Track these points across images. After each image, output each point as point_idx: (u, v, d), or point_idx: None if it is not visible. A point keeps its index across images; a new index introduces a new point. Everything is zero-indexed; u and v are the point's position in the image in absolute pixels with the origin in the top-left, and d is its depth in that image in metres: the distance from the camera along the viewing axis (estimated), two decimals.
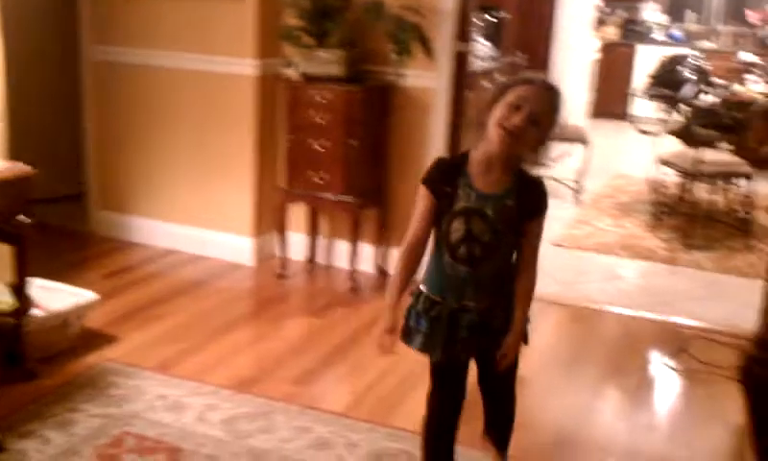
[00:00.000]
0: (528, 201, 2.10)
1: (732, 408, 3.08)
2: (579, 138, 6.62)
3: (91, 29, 4.69)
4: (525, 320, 2.20)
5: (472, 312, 2.14)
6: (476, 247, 2.08)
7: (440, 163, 2.17)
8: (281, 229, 4.34)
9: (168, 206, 4.70)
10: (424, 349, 2.21)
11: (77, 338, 3.41)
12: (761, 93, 5.99)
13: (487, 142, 2.06)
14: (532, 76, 2.11)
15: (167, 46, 4.48)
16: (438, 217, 2.12)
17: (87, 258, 4.52)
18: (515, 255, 2.18)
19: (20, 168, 3.06)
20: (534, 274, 2.18)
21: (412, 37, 3.94)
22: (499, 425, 2.44)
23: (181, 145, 4.58)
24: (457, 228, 2.08)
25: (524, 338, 2.24)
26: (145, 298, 4.00)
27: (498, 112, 2.01)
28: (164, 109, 4.58)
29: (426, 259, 2.21)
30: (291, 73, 4.24)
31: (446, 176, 2.10)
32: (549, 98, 2.05)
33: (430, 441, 2.35)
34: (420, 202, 2.14)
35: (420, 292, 2.20)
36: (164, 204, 4.71)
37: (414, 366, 3.37)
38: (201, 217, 4.62)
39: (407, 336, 2.22)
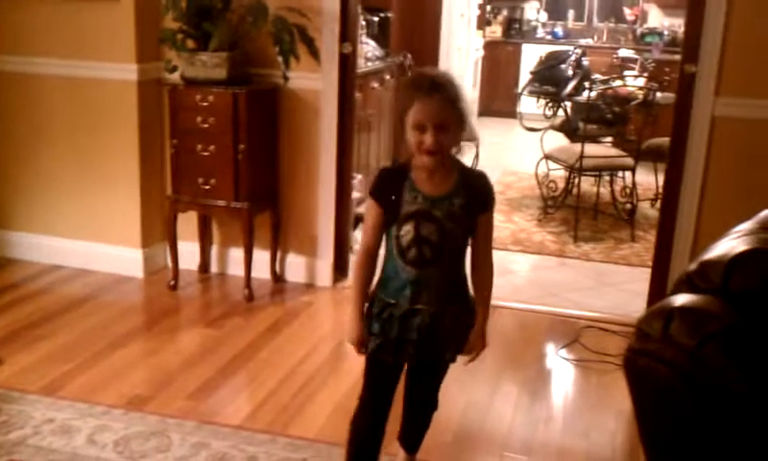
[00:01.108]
0: (476, 197, 2.16)
1: (624, 396, 3.14)
2: (468, 137, 6.70)
3: None
4: (487, 315, 2.27)
5: (424, 314, 2.17)
6: (426, 248, 2.12)
7: (383, 173, 2.25)
8: (171, 238, 4.22)
9: (51, 219, 4.50)
10: (377, 352, 2.23)
11: None
12: (639, 87, 6.21)
13: (418, 162, 2.12)
14: (416, 81, 2.13)
15: (42, 52, 4.28)
16: (387, 224, 2.17)
17: None
18: (468, 257, 2.23)
19: None
20: (491, 267, 2.25)
21: (296, 39, 3.90)
22: (418, 431, 2.52)
23: (62, 155, 4.39)
24: (406, 231, 2.13)
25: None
26: (28, 317, 3.82)
27: (411, 138, 2.07)
28: (42, 117, 4.38)
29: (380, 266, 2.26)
30: (173, 77, 4.13)
31: (390, 184, 2.16)
32: (441, 100, 2.06)
33: (359, 447, 2.37)
34: (368, 213, 2.21)
35: (375, 296, 2.24)
36: (47, 217, 4.50)
37: (312, 373, 3.34)
38: (86, 230, 4.44)
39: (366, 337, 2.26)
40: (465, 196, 2.13)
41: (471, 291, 2.27)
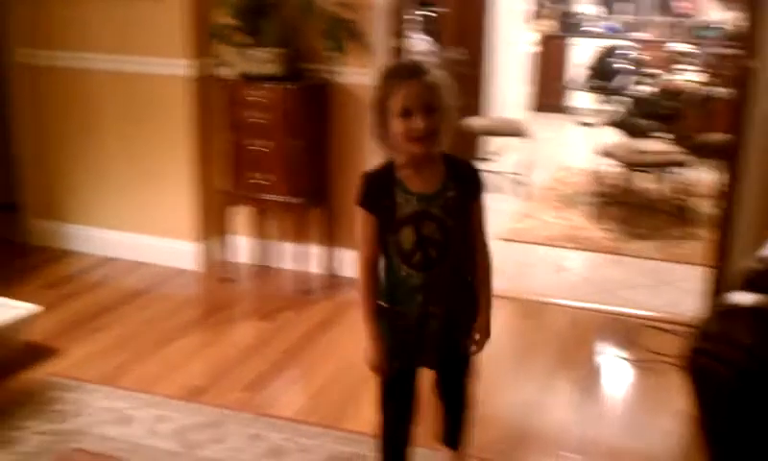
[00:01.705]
0: (466, 184, 2.10)
1: (680, 396, 3.12)
2: (519, 132, 6.67)
3: (17, 32, 4.54)
4: (491, 302, 2.21)
5: (438, 318, 2.11)
6: (431, 249, 2.05)
7: (369, 179, 2.10)
8: (225, 232, 4.27)
9: (107, 212, 4.59)
10: (395, 362, 2.16)
11: (17, 353, 3.30)
12: (694, 82, 6.11)
13: (404, 152, 2.02)
14: (394, 69, 2.08)
15: (98, 48, 4.36)
16: (383, 231, 2.07)
17: (25, 269, 4.39)
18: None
19: None
20: (488, 251, 2.19)
21: (346, 34, 3.92)
22: (454, 428, 2.43)
23: (117, 149, 4.48)
24: (407, 235, 2.04)
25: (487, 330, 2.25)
26: (87, 308, 3.90)
27: (398, 127, 1.97)
28: (97, 113, 4.47)
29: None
30: (226, 72, 4.18)
31: (380, 189, 2.06)
32: (424, 82, 1.97)
33: (387, 450, 2.33)
34: (360, 223, 2.10)
35: (382, 308, 2.14)
36: (103, 210, 4.60)
37: (365, 367, 3.35)
38: (142, 223, 4.52)
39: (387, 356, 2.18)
40: (456, 187, 2.06)
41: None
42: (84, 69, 4.42)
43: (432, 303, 2.09)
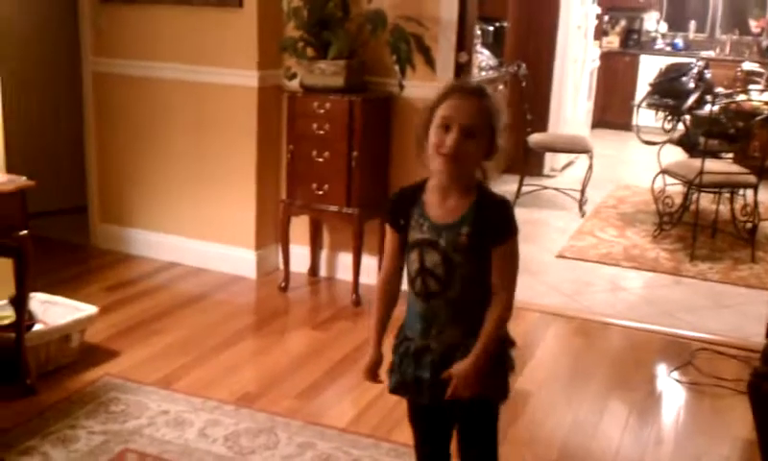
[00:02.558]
0: (488, 226, 1.87)
1: (739, 422, 3.05)
2: (582, 149, 6.60)
3: (92, 41, 4.68)
4: (486, 353, 1.91)
5: (434, 352, 1.94)
6: (430, 280, 1.91)
7: (397, 195, 2.03)
8: (284, 241, 4.31)
9: (170, 218, 4.68)
10: (396, 390, 2.05)
11: (78, 353, 3.38)
12: (764, 102, 5.96)
13: (433, 168, 1.89)
14: (456, 84, 1.94)
15: (167, 58, 4.46)
16: (403, 250, 1.99)
17: (88, 272, 4.50)
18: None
19: (19, 181, 3.04)
20: (504, 302, 1.92)
21: (412, 48, 3.93)
22: None
23: (183, 157, 4.57)
24: (413, 260, 1.94)
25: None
26: (146, 311, 3.97)
27: (432, 138, 1.84)
28: (165, 120, 4.57)
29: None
30: (292, 84, 4.23)
31: (401, 207, 1.97)
32: (477, 104, 1.84)
33: None
34: (386, 237, 2.04)
35: (400, 328, 2.06)
36: (166, 216, 4.69)
37: None
38: (202, 230, 4.60)
39: (390, 373, 2.06)
40: (474, 224, 1.86)
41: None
42: (155, 78, 4.53)
43: (430, 336, 1.95)
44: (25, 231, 3.00)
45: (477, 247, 1.87)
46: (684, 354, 3.75)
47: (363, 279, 4.21)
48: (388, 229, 2.02)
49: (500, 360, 1.98)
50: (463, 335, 1.93)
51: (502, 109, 1.89)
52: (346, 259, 4.38)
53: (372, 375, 2.08)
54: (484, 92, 1.87)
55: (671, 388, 3.52)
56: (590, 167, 6.45)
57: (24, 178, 3.05)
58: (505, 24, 6.93)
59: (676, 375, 3.60)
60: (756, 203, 5.55)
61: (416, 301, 1.96)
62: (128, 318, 3.88)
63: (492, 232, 1.88)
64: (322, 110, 4.02)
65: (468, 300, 1.92)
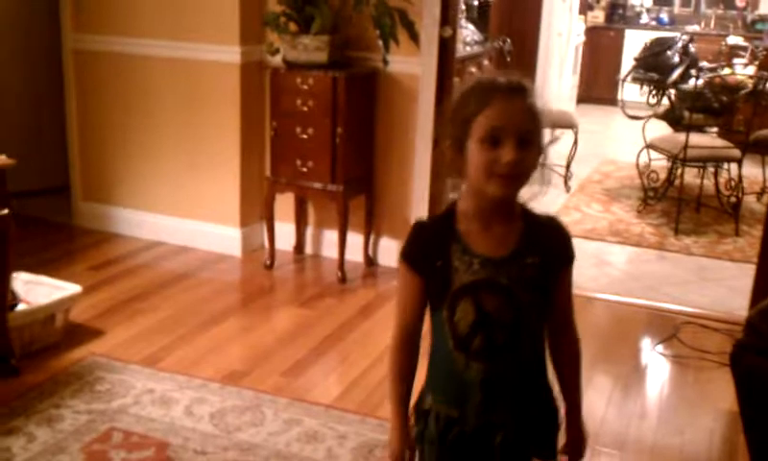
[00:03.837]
0: (553, 251, 1.57)
1: (723, 394, 3.07)
2: (567, 124, 6.59)
3: (72, 17, 4.62)
4: (581, 398, 1.68)
5: (506, 428, 1.55)
6: (497, 332, 1.51)
7: (421, 230, 1.61)
8: (268, 218, 4.30)
9: (153, 196, 4.65)
10: None
11: (62, 332, 3.36)
12: (748, 76, 5.97)
13: (477, 193, 1.51)
14: (493, 82, 1.50)
15: (149, 34, 4.41)
16: (433, 301, 1.57)
17: (72, 251, 4.47)
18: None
19: None
20: (577, 337, 1.67)
21: (396, 23, 3.90)
22: None
23: (166, 135, 4.53)
24: (465, 312, 1.51)
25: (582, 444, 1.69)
26: (131, 290, 3.95)
27: (478, 157, 1.46)
28: (147, 98, 4.52)
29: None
30: (274, 60, 4.19)
31: (433, 245, 1.54)
32: (526, 103, 1.48)
33: None
34: (402, 283, 1.60)
35: (426, 406, 1.61)
36: (149, 194, 4.66)
37: None
38: (186, 208, 4.57)
39: None
40: (539, 252, 1.53)
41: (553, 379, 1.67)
42: (137, 55, 4.47)
43: (495, 409, 1.54)
44: (6, 211, 2.97)
45: (543, 278, 1.55)
46: (669, 328, 3.78)
47: (348, 256, 4.21)
48: (408, 273, 1.57)
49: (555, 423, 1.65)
50: (535, 396, 1.60)
51: (544, 100, 1.55)
52: (331, 237, 4.37)
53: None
54: (527, 87, 1.50)
55: (655, 362, 3.55)
56: (576, 142, 6.45)
57: (3, 156, 3.01)
58: None
59: (660, 348, 3.62)
60: (740, 177, 5.57)
61: (469, 365, 1.53)
62: (112, 297, 3.86)
63: (558, 256, 1.59)
64: (305, 86, 3.99)
65: (535, 349, 1.59)
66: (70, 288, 3.43)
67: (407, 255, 1.58)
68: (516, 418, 1.55)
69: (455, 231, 1.53)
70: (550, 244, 1.57)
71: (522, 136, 1.45)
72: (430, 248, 1.54)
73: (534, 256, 1.53)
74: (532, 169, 1.50)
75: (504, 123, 1.44)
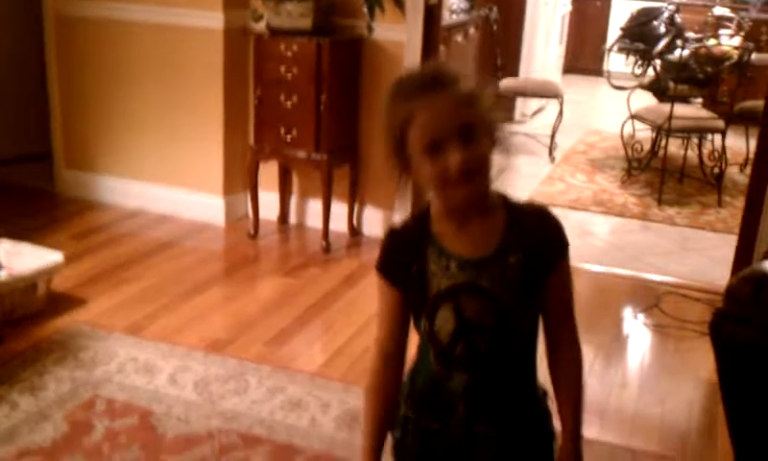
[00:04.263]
0: (539, 247, 1.40)
1: (704, 364, 3.10)
2: (552, 94, 6.58)
3: None
4: (580, 419, 1.49)
5: (491, 440, 1.45)
6: (479, 339, 1.40)
7: (393, 237, 1.47)
8: (252, 187, 4.28)
9: (136, 164, 4.61)
10: None
11: (45, 301, 3.35)
12: (734, 47, 5.97)
13: (444, 203, 1.40)
14: (408, 79, 1.36)
15: None
16: (413, 310, 1.45)
17: (55, 219, 4.44)
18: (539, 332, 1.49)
19: None
20: (576, 347, 1.49)
21: None
22: None
23: (149, 101, 4.48)
24: (445, 320, 1.39)
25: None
26: (114, 259, 3.93)
27: (425, 170, 1.33)
28: (130, 64, 4.47)
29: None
30: (258, 26, 4.15)
31: (407, 251, 1.42)
32: (454, 93, 1.32)
33: None
34: (379, 296, 1.48)
35: (406, 417, 1.50)
36: (132, 162, 4.62)
37: None
38: (170, 176, 4.54)
39: None
40: (522, 249, 1.38)
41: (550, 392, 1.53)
42: (119, 20, 4.41)
43: (480, 420, 1.44)
44: None
45: (530, 278, 1.39)
46: (651, 298, 3.80)
47: (332, 226, 4.20)
48: (383, 285, 1.46)
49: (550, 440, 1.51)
50: (524, 407, 1.48)
51: (476, 81, 1.37)
52: (315, 206, 4.36)
53: None
54: (448, 75, 1.34)
55: (637, 331, 3.58)
56: (561, 113, 6.45)
57: None
58: None
59: (642, 318, 3.65)
60: (723, 148, 5.59)
61: (449, 376, 1.43)
62: (95, 265, 3.84)
63: (545, 254, 1.41)
64: (289, 53, 3.95)
65: (523, 357, 1.46)
66: (53, 256, 3.41)
67: (381, 267, 1.46)
68: (501, 429, 1.45)
69: (430, 233, 1.41)
70: (535, 238, 1.40)
71: (463, 131, 1.30)
72: (404, 255, 1.42)
73: (517, 253, 1.38)
74: (488, 158, 1.35)
75: (437, 128, 1.31)
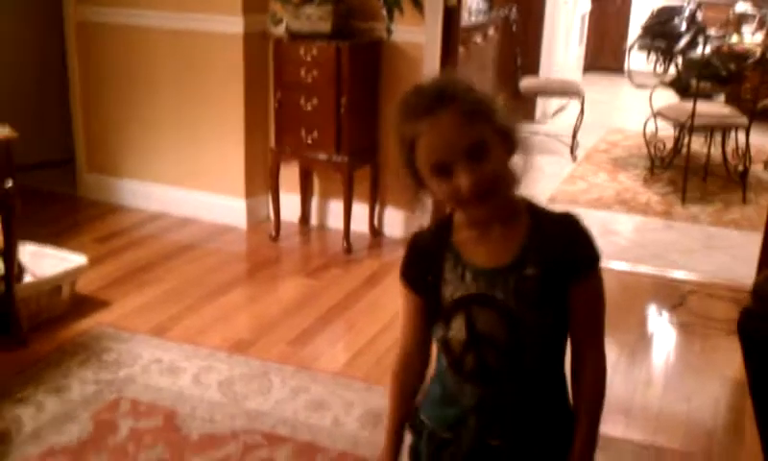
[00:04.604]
0: (559, 257, 1.32)
1: (730, 362, 3.07)
2: (574, 92, 6.55)
3: None
4: (592, 440, 1.40)
5: (502, 455, 1.39)
6: (489, 352, 1.34)
7: (415, 244, 1.45)
8: (274, 190, 4.29)
9: (158, 168, 4.64)
10: None
11: (69, 303, 3.37)
12: (756, 44, 5.92)
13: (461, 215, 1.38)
14: (412, 97, 1.33)
15: (152, 5, 4.38)
16: (431, 318, 1.42)
17: (78, 223, 4.48)
18: (567, 345, 1.42)
19: (3, 132, 3.00)
20: (598, 366, 1.41)
21: None
22: None
23: (170, 106, 4.51)
24: (456, 329, 1.36)
25: None
26: (137, 261, 3.96)
27: (436, 188, 1.30)
28: (151, 69, 4.50)
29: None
30: (278, 30, 4.17)
31: (425, 258, 1.40)
32: (458, 111, 1.26)
33: None
34: (402, 302, 1.47)
35: (422, 423, 1.48)
36: (154, 166, 4.65)
37: None
38: (192, 179, 4.56)
39: None
40: (540, 260, 1.32)
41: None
42: (141, 26, 4.44)
43: (492, 433, 1.39)
44: (11, 182, 2.97)
45: (547, 292, 1.32)
46: (676, 296, 3.77)
47: (354, 227, 4.20)
48: (404, 292, 1.45)
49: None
50: (539, 425, 1.40)
51: (482, 91, 1.31)
52: (336, 207, 4.37)
53: None
54: (454, 88, 1.29)
55: (662, 330, 3.55)
56: (582, 112, 6.41)
57: (8, 128, 3.01)
58: None
59: (667, 316, 3.62)
60: (747, 145, 5.54)
61: (462, 387, 1.39)
62: (118, 268, 3.87)
63: (564, 264, 1.33)
64: (309, 57, 3.96)
65: (543, 371, 1.39)
66: (76, 259, 3.44)
67: (403, 273, 1.45)
68: (513, 445, 1.38)
69: (449, 242, 1.38)
70: (557, 249, 1.32)
71: (471, 151, 1.25)
72: (423, 262, 1.40)
73: (535, 266, 1.31)
74: (503, 172, 1.30)
75: (443, 150, 1.26)
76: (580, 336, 1.38)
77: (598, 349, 1.40)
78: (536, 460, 1.40)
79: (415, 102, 1.30)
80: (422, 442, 1.47)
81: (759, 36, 6.41)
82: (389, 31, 4.01)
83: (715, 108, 5.82)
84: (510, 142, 1.31)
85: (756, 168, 5.97)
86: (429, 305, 1.40)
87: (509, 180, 1.32)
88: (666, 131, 5.94)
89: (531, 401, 1.38)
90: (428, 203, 1.38)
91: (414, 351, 1.47)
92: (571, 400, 1.43)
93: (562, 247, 1.32)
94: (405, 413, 1.50)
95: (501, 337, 1.32)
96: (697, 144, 5.98)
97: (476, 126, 1.25)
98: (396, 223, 4.35)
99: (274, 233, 4.32)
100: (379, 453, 1.53)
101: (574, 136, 6.38)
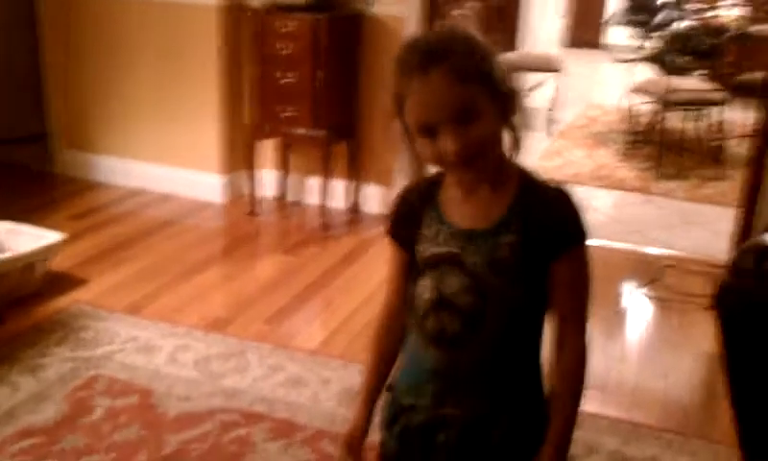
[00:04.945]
0: (541, 229, 1.26)
1: (706, 337, 3.10)
2: (552, 67, 6.54)
3: None
4: (567, 430, 1.32)
5: (453, 426, 1.32)
6: (451, 318, 1.29)
7: (401, 197, 1.41)
8: (251, 165, 4.26)
9: (135, 143, 4.59)
10: None
11: (44, 281, 3.34)
12: (733, 19, 5.92)
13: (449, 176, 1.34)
14: (409, 47, 1.26)
15: None
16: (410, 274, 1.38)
17: (53, 199, 4.43)
18: (542, 322, 1.35)
19: None
20: (580, 349, 1.34)
21: None
22: None
23: (145, 80, 4.46)
24: (424, 287, 1.31)
25: None
26: (113, 238, 3.93)
27: (422, 148, 1.26)
28: (129, 42, 4.44)
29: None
30: (255, 2, 4.12)
31: (411, 213, 1.36)
32: (449, 71, 1.19)
33: None
34: (389, 258, 1.44)
35: (390, 386, 1.45)
36: (131, 141, 4.60)
37: None
38: (168, 155, 4.52)
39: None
40: (521, 229, 1.26)
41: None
42: None
43: (448, 403, 1.33)
44: None
45: (527, 264, 1.26)
46: (652, 271, 3.79)
47: (331, 204, 4.18)
48: (390, 247, 1.42)
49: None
50: (500, 403, 1.32)
51: (480, 43, 1.24)
52: (314, 183, 4.35)
53: (352, 451, 1.44)
54: (446, 50, 1.21)
55: (639, 305, 3.57)
56: (560, 87, 6.41)
57: None
58: None
59: (643, 291, 3.64)
60: (723, 120, 5.56)
61: (425, 349, 1.34)
62: (95, 245, 3.83)
63: (547, 237, 1.27)
64: (286, 30, 3.92)
65: (509, 347, 1.31)
66: (52, 236, 3.40)
67: (389, 229, 1.42)
68: (467, 417, 1.31)
69: (435, 197, 1.34)
70: (541, 220, 1.26)
71: (459, 114, 1.20)
72: (408, 216, 1.36)
73: (515, 233, 1.25)
74: (492, 137, 1.25)
75: (430, 111, 1.21)
76: (559, 317, 1.32)
77: (578, 333, 1.33)
78: (494, 442, 1.32)
79: (407, 58, 1.23)
80: (385, 410, 1.43)
81: (736, 11, 6.40)
82: (369, 3, 3.97)
83: (693, 83, 5.82)
84: (505, 106, 1.25)
85: (732, 143, 6.00)
86: (411, 260, 1.37)
87: (499, 145, 1.28)
88: (645, 106, 5.95)
89: (491, 377, 1.31)
90: (410, 167, 1.36)
91: (395, 312, 1.43)
92: (546, 391, 1.37)
93: (546, 219, 1.27)
94: (381, 377, 1.44)
95: (464, 303, 1.27)
96: (675, 120, 6.00)
97: (468, 87, 1.19)
98: (374, 199, 4.34)
99: (251, 210, 4.29)
100: (352, 412, 1.47)
101: (551, 112, 6.37)
